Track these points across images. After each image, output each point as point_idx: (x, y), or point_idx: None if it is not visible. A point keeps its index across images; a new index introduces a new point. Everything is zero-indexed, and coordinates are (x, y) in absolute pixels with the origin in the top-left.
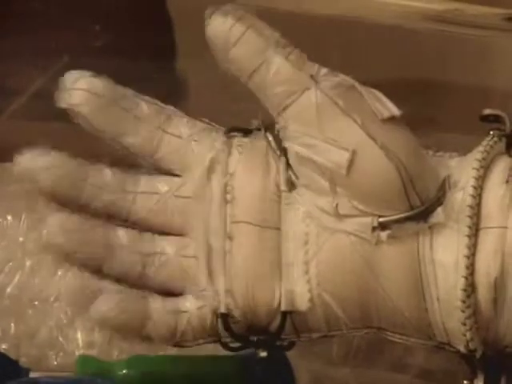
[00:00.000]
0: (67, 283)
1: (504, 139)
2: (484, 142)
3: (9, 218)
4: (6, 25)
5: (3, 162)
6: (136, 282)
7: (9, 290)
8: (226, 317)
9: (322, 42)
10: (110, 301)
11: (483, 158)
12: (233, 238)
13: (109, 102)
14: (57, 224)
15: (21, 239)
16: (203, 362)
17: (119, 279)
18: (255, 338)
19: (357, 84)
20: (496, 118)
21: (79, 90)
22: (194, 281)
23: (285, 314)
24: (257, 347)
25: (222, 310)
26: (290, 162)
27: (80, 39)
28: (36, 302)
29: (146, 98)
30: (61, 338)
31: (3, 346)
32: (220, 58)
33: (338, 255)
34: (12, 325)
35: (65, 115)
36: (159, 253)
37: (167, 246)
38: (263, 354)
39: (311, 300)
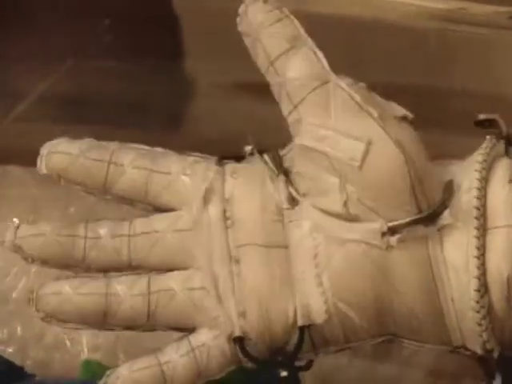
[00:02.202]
0: None
1: (502, 141)
2: (484, 145)
3: (14, 220)
4: (10, 28)
5: (7, 165)
6: (146, 325)
7: (14, 294)
8: (241, 340)
9: (324, 42)
10: (121, 376)
11: (484, 160)
12: (239, 260)
13: (78, 157)
14: (53, 293)
15: None
16: None
17: (127, 326)
18: (274, 359)
19: (365, 86)
20: (491, 123)
21: (52, 153)
22: (205, 311)
23: (302, 329)
24: (276, 368)
25: (237, 333)
26: (296, 167)
27: (84, 41)
28: None
29: (132, 145)
30: (67, 342)
31: (9, 350)
32: (251, 37)
33: (350, 264)
34: (18, 328)
35: (68, 119)
36: (164, 290)
37: (172, 282)
38: (284, 373)
39: (327, 311)
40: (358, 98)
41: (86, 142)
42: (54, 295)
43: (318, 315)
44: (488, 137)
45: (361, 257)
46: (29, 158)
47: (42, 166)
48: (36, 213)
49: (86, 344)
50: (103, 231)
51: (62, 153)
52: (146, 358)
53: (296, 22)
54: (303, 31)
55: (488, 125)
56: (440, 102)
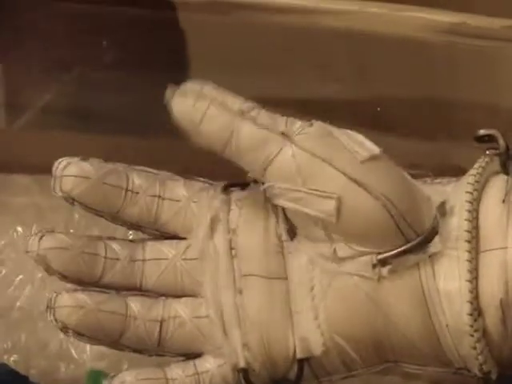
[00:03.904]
0: None
1: (497, 158)
2: (476, 165)
3: (19, 229)
4: (15, 38)
5: (12, 174)
6: (154, 350)
7: (19, 303)
8: (246, 371)
9: (330, 56)
10: (126, 381)
11: (476, 181)
12: (242, 291)
13: (97, 182)
14: (67, 305)
15: None
16: None
17: (135, 349)
18: None
19: (333, 129)
20: (490, 137)
21: (68, 176)
22: (211, 340)
23: (301, 362)
24: None
25: (242, 364)
26: (287, 213)
27: (90, 52)
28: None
29: (139, 168)
30: (71, 350)
31: (13, 358)
32: (191, 136)
33: (344, 297)
34: (22, 337)
35: (73, 129)
36: (173, 317)
37: (180, 309)
38: None
39: (324, 344)
40: (318, 152)
41: (101, 166)
42: (77, 308)
43: (316, 348)
44: (488, 152)
45: (354, 289)
46: (33, 167)
47: (57, 188)
48: (40, 221)
49: (90, 353)
50: (122, 254)
51: (78, 176)
52: (153, 370)
53: (220, 97)
54: (233, 99)
55: (488, 140)
56: (444, 114)
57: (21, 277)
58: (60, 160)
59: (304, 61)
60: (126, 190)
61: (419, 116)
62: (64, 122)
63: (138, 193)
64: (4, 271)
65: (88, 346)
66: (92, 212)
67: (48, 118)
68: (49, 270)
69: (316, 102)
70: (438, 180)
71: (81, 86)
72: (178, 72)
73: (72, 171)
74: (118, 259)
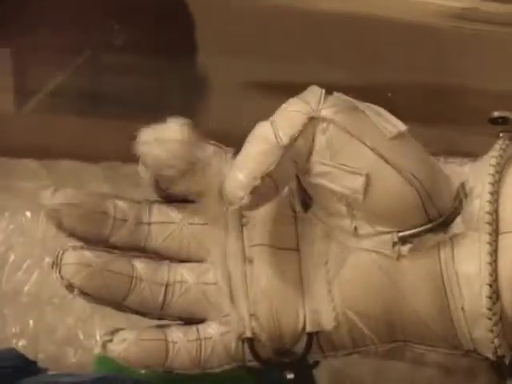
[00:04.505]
0: None
1: None
2: (497, 146)
3: (27, 214)
4: (27, 21)
5: (22, 158)
6: (157, 313)
7: (27, 287)
8: (252, 341)
9: (337, 41)
10: (128, 339)
11: (497, 163)
12: (252, 261)
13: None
14: (73, 262)
15: (39, 236)
16: None
17: (138, 311)
18: (281, 361)
19: (359, 104)
20: (504, 120)
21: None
22: (216, 307)
23: (311, 335)
24: (283, 369)
25: (248, 334)
26: (303, 183)
27: (101, 35)
28: (55, 299)
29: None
30: (79, 335)
31: (21, 343)
32: None
33: (360, 272)
34: (31, 322)
35: (84, 112)
36: (179, 281)
37: (186, 273)
38: (290, 376)
39: (336, 319)
40: (349, 128)
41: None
42: (83, 266)
43: (327, 322)
44: (501, 135)
45: (371, 265)
46: (42, 151)
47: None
48: None
49: (99, 338)
50: (130, 215)
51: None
52: (154, 331)
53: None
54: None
55: (502, 122)
56: (453, 99)
57: (29, 261)
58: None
59: (312, 46)
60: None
61: (428, 102)
62: (73, 106)
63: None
64: (12, 256)
65: (97, 331)
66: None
67: (57, 101)
68: (60, 226)
69: (324, 87)
70: (450, 159)
71: (91, 69)
72: (187, 55)
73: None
74: (125, 220)
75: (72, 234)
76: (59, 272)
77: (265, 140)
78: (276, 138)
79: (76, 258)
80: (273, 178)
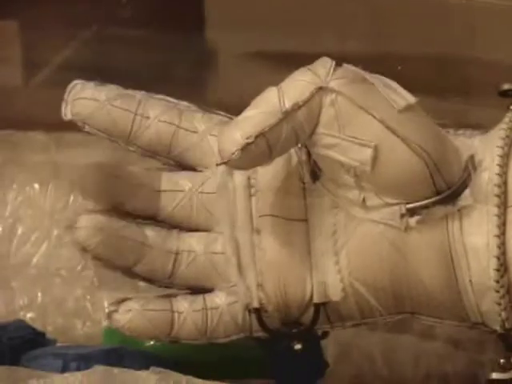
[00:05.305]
0: None
1: None
2: (506, 119)
3: (36, 186)
4: None
5: (30, 131)
6: (165, 281)
7: (35, 259)
8: (259, 312)
9: (349, 13)
10: (133, 309)
11: (507, 136)
12: (260, 231)
13: (110, 105)
14: (88, 226)
15: (48, 208)
16: None
17: (147, 278)
18: (288, 331)
19: (369, 76)
20: None
21: (81, 99)
22: (224, 277)
23: (318, 306)
24: (291, 340)
25: (255, 304)
26: (312, 154)
27: (108, 9)
28: (63, 272)
29: (158, 96)
30: (88, 308)
31: (30, 315)
32: None
33: (368, 244)
34: (39, 294)
35: None
36: (187, 250)
37: (195, 243)
38: (298, 346)
39: (344, 290)
40: (358, 100)
41: (113, 89)
42: (97, 230)
43: (334, 293)
44: (511, 107)
45: (379, 237)
46: (50, 125)
47: (67, 111)
48: (57, 178)
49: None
50: (146, 182)
51: (88, 99)
52: (160, 301)
53: None
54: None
55: (511, 94)
56: (463, 72)
57: (37, 234)
58: (73, 83)
59: (322, 18)
60: (136, 114)
61: (438, 74)
62: (81, 79)
63: (148, 117)
64: (20, 228)
65: (105, 303)
66: (104, 136)
67: (65, 75)
68: (84, 192)
69: (335, 58)
70: (460, 131)
71: (98, 43)
72: (195, 29)
73: (82, 94)
74: (142, 185)
75: (86, 197)
76: (74, 235)
77: (268, 103)
78: (279, 102)
79: (91, 222)
80: (267, 140)
